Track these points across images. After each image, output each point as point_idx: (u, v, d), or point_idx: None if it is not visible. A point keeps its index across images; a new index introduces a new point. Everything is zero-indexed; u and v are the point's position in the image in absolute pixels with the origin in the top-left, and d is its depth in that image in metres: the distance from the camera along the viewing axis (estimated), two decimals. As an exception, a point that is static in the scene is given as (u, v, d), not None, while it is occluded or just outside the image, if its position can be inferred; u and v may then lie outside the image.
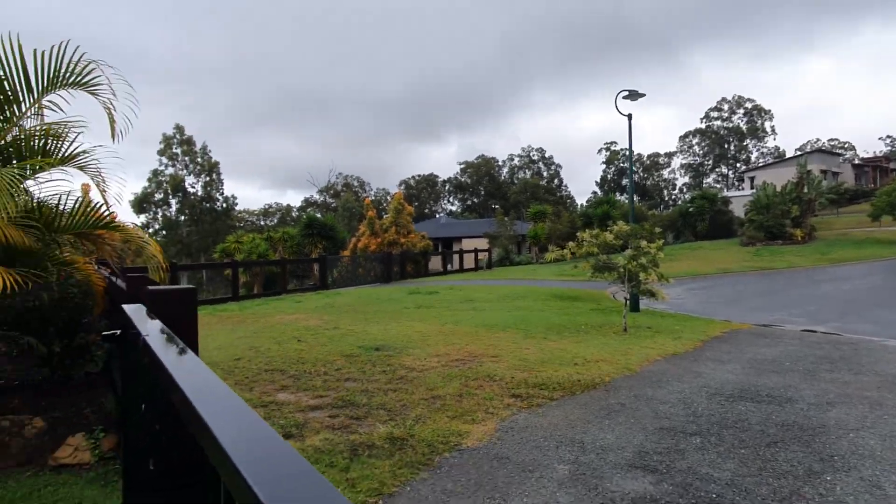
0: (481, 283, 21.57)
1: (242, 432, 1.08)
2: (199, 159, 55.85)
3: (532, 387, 6.07)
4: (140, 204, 53.13)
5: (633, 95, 14.61)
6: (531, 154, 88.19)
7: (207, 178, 56.37)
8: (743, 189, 48.96)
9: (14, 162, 4.66)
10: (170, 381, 1.50)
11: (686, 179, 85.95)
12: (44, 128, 4.99)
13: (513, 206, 69.56)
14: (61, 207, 4.77)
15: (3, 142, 4.70)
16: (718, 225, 38.35)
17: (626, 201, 49.23)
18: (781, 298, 15.30)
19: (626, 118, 14.18)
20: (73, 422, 4.57)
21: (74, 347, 5.38)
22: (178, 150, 55.11)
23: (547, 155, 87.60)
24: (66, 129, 5.00)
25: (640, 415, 5.12)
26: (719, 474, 3.82)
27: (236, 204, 60.80)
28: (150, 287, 2.90)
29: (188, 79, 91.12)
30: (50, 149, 4.96)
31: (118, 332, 2.89)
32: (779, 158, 61.00)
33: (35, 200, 4.70)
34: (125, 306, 2.87)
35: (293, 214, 75.74)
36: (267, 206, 78.66)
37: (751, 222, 32.72)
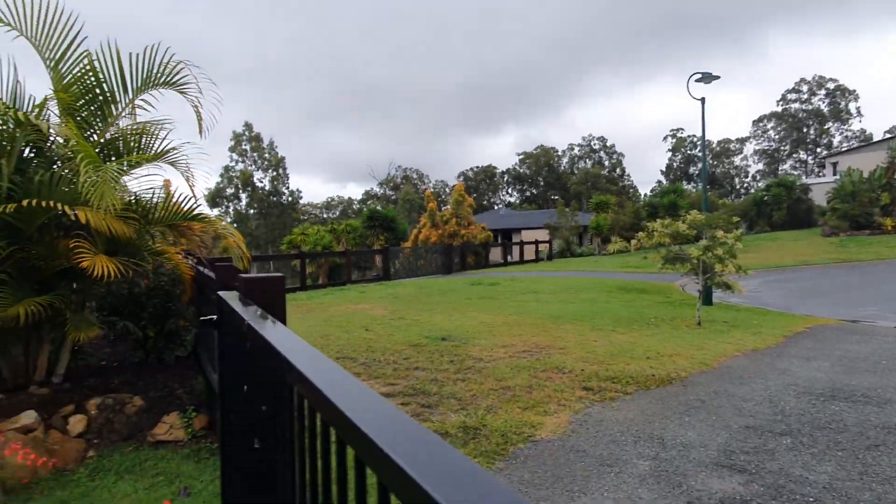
0: (543, 274, 21.31)
1: (360, 402, 1.10)
2: (266, 155, 58.13)
3: (604, 380, 5.94)
4: (213, 199, 55.94)
5: (707, 78, 13.92)
6: (592, 143, 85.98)
7: (274, 173, 58.61)
8: (824, 175, 45.70)
9: (113, 158, 5.00)
10: (281, 361, 1.56)
11: (759, 166, 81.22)
12: (137, 126, 5.33)
13: (573, 196, 68.14)
14: (154, 201, 5.07)
15: (103, 140, 5.05)
16: (796, 214, 36.07)
17: (694, 190, 47.20)
18: (870, 293, 14.22)
19: (697, 102, 13.54)
20: (167, 401, 4.88)
21: (166, 332, 5.74)
22: (247, 147, 57.56)
23: (608, 144, 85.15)
24: (158, 128, 5.31)
25: (721, 412, 4.90)
26: (815, 477, 3.61)
27: (301, 197, 62.95)
28: (243, 275, 3.04)
29: (256, 78, 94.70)
30: (143, 146, 5.28)
31: (215, 317, 3.04)
32: (865, 142, 56.39)
33: (132, 195, 5.02)
34: (221, 293, 3.02)
35: (354, 207, 77.52)
36: (329, 200, 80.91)
37: (833, 211, 30.53)
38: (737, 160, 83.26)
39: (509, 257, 32.30)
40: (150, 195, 5.04)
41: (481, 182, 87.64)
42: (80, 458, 4.16)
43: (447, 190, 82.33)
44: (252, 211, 58.18)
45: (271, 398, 2.05)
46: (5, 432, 3.88)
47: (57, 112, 4.95)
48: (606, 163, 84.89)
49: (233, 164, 57.27)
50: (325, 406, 1.19)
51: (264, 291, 2.89)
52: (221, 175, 56.80)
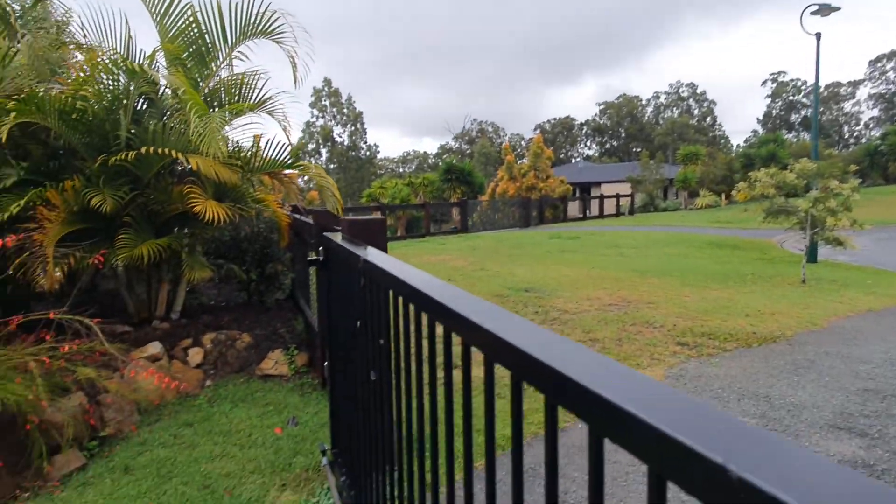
0: (624, 228, 20.55)
1: (507, 323, 1.07)
2: (345, 110, 59.10)
3: (699, 336, 5.69)
4: (296, 154, 57.89)
5: (824, 10, 12.41)
6: (680, 90, 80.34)
7: (353, 128, 59.62)
8: (956, 122, 40.24)
9: (216, 108, 5.21)
10: (411, 292, 1.56)
11: (874, 113, 72.78)
12: (236, 77, 5.50)
13: (657, 148, 64.47)
14: (254, 149, 5.27)
15: (206, 90, 5.27)
16: (919, 166, 32.26)
17: (796, 140, 43.10)
18: None
19: (802, 43, 12.16)
20: (271, 339, 5.21)
21: (266, 276, 6.07)
22: (327, 103, 58.70)
23: (699, 91, 79.22)
24: (255, 78, 5.45)
25: (835, 373, 4.56)
26: (950, 445, 3.29)
27: (378, 152, 63.87)
28: (347, 218, 3.10)
29: (333, 35, 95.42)
30: (242, 96, 5.46)
31: (321, 257, 3.14)
32: None
33: (234, 143, 5.24)
34: (327, 234, 3.10)
35: (429, 162, 77.67)
36: (405, 154, 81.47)
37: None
38: (847, 106, 75.05)
39: (588, 212, 31.35)
40: (250, 144, 5.23)
41: (558, 134, 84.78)
42: (199, 386, 4.55)
43: (523, 143, 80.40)
44: (332, 166, 59.81)
45: (386, 331, 2.09)
46: (136, 360, 4.30)
47: (164, 64, 5.20)
48: (696, 111, 79.28)
49: (313, 119, 58.77)
50: (467, 329, 1.18)
51: (368, 232, 2.95)
52: (303, 131, 58.57)
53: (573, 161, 73.81)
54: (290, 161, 5.22)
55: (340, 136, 59.69)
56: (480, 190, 31.05)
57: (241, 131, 5.38)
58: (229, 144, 5.27)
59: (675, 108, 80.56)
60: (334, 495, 2.88)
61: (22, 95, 4.09)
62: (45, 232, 4.12)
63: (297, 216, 6.03)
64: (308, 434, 3.77)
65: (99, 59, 4.63)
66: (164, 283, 5.20)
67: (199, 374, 4.62)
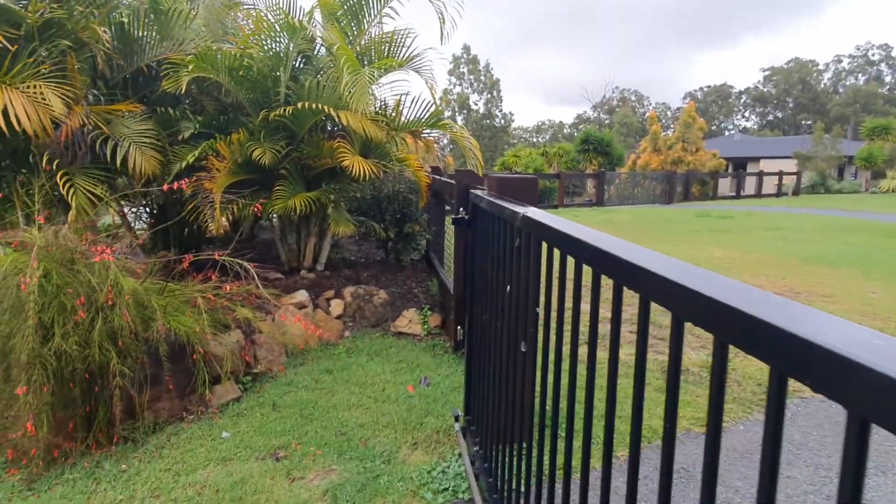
0: (787, 210, 18.16)
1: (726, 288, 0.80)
2: (482, 78, 58.81)
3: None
4: (439, 114, 59.02)
5: None
6: (869, 53, 68.57)
7: (489, 96, 59.27)
8: None
9: (365, 65, 5.24)
10: (594, 253, 1.32)
11: None
12: (385, 35, 5.49)
13: (834, 121, 56.01)
14: (399, 108, 5.26)
15: (358, 48, 5.32)
16: None
17: None
18: None
19: None
20: (406, 298, 5.26)
21: (404, 235, 6.14)
22: (465, 70, 58.79)
23: (894, 54, 66.96)
24: (404, 36, 5.40)
25: None
26: None
27: (513, 120, 62.97)
28: (496, 175, 2.89)
29: (474, 0, 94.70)
30: (390, 54, 5.45)
31: (466, 216, 2.99)
32: None
33: (380, 101, 5.27)
34: (478, 192, 2.93)
35: (565, 131, 75.07)
36: (539, 123, 79.53)
37: None
38: None
39: (741, 190, 28.23)
40: (395, 103, 5.22)
41: (711, 104, 77.10)
42: (338, 336, 4.74)
43: (668, 114, 74.41)
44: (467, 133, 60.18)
45: (536, 297, 1.87)
46: (286, 306, 4.56)
47: (321, 21, 5.32)
48: (888, 78, 67.37)
49: (450, 87, 59.29)
50: (677, 298, 0.92)
51: (519, 190, 2.72)
52: (441, 98, 59.41)
53: (726, 133, 66.86)
54: (434, 120, 5.14)
55: (476, 104, 59.71)
56: (619, 162, 29.30)
57: (388, 89, 5.39)
58: (376, 102, 5.31)
59: (860, 75, 69.14)
60: (466, 464, 2.78)
61: (197, 50, 4.40)
62: (214, 180, 4.46)
63: (437, 177, 5.99)
64: (439, 395, 3.73)
65: (264, 17, 4.85)
66: (311, 236, 5.46)
67: (338, 325, 4.81)
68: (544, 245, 1.72)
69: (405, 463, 2.93)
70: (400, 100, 5.17)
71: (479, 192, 2.80)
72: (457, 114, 59.43)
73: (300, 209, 4.59)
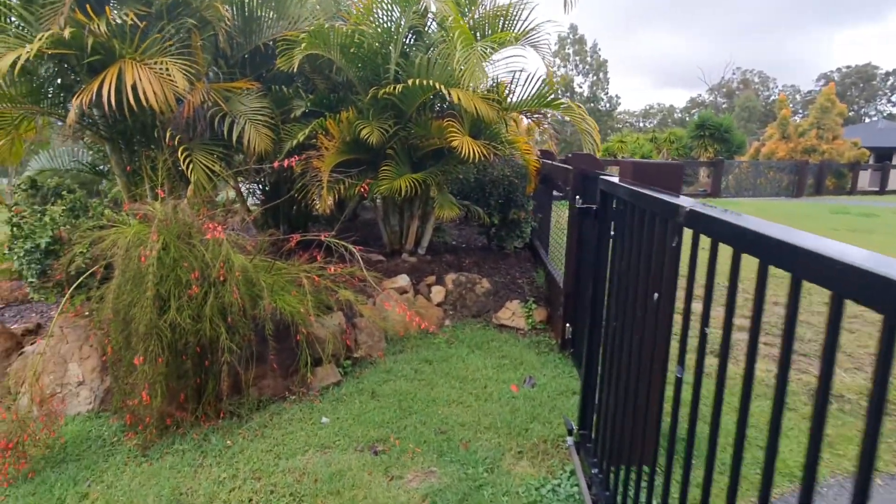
0: (950, 210, 15.62)
1: None
2: (588, 59, 56.41)
3: None
4: (552, 92, 57.56)
5: None
6: None
7: (594, 78, 56.77)
8: None
9: (479, 39, 4.95)
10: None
11: None
12: (500, 9, 5.15)
13: None
14: (512, 86, 4.92)
15: (471, 22, 5.04)
16: None
17: None
18: None
19: None
20: (509, 289, 4.98)
21: (509, 221, 5.84)
22: (570, 51, 56.65)
23: None
24: (519, 9, 5.03)
25: None
26: None
27: (619, 104, 59.92)
28: (630, 160, 2.51)
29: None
30: (504, 28, 5.11)
31: (594, 206, 2.64)
32: None
33: (491, 79, 4.96)
34: (609, 178, 2.56)
35: (675, 116, 70.29)
36: (647, 108, 75.05)
37: None
38: None
39: (886, 184, 24.80)
40: (508, 81, 4.89)
41: (850, 87, 68.51)
42: (438, 325, 4.57)
43: (797, 98, 67.18)
44: (568, 118, 58.22)
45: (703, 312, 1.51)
46: (387, 290, 4.46)
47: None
48: None
49: (554, 68, 57.46)
50: None
51: (659, 178, 2.33)
52: (543, 80, 57.77)
53: (867, 120, 59.23)
54: (548, 99, 4.76)
55: (581, 87, 57.46)
56: (739, 150, 26.84)
57: (502, 65, 5.07)
58: (488, 80, 5.02)
59: None
60: (581, 486, 2.48)
61: (311, 28, 4.34)
62: (323, 158, 4.42)
63: (547, 161, 5.62)
64: (545, 399, 3.43)
65: (377, -9, 4.70)
66: (414, 218, 5.32)
67: (439, 313, 4.64)
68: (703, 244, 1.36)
69: (510, 474, 2.68)
70: (513, 77, 4.83)
71: (611, 180, 2.44)
72: (561, 96, 57.56)
73: (405, 190, 4.44)
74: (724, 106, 62.91)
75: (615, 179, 2.43)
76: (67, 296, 3.45)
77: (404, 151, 4.82)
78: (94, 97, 3.62)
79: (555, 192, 5.88)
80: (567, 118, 4.99)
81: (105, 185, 6.21)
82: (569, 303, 4.04)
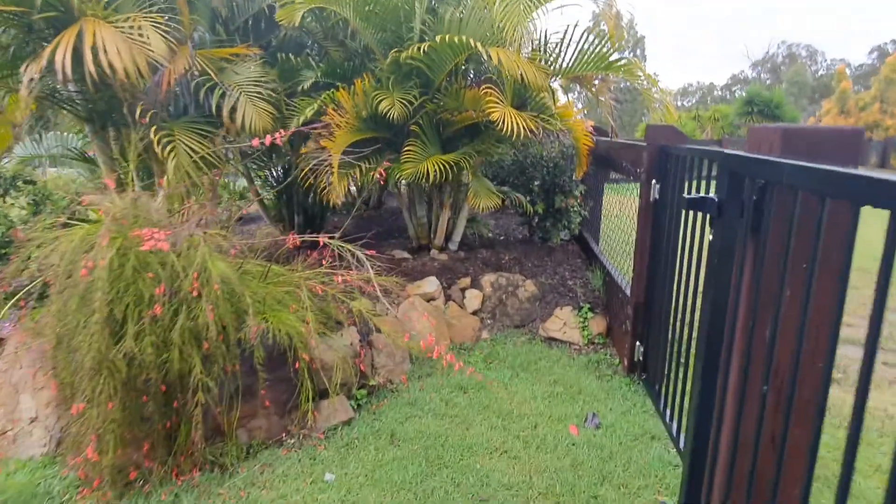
0: None
1: None
2: (625, 35, 54.16)
3: None
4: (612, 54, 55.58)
5: None
6: None
7: (631, 55, 54.50)
8: None
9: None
10: None
11: None
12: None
13: None
14: (562, 45, 4.04)
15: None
16: None
17: None
18: None
19: None
20: (559, 292, 4.16)
21: (554, 211, 4.99)
22: (605, 27, 54.44)
23: None
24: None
25: None
26: None
27: (658, 80, 57.46)
28: (778, 126, 1.65)
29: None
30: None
31: (714, 196, 1.78)
32: None
33: (539, 37, 4.09)
34: (748, 156, 1.71)
35: (715, 94, 67.11)
36: (686, 85, 71.94)
37: None
38: None
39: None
40: (562, 36, 4.01)
41: (910, 58, 63.98)
42: (474, 337, 3.79)
43: (848, 72, 63.12)
44: (602, 98, 56.11)
45: None
46: (412, 297, 3.69)
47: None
48: None
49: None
50: None
51: (830, 150, 1.49)
52: (601, 36, 55.65)
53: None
54: (609, 62, 3.87)
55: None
56: (791, 127, 25.04)
57: (551, 17, 4.17)
58: (532, 40, 4.14)
59: None
60: None
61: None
62: (334, 138, 3.65)
63: (602, 138, 4.74)
64: (616, 447, 2.62)
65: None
66: (444, 208, 4.52)
67: (474, 323, 3.85)
68: None
69: (582, 579, 1.89)
70: (564, 34, 3.94)
71: (753, 157, 1.59)
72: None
73: (433, 175, 3.64)
74: (767, 82, 59.75)
75: (758, 156, 1.58)
76: (24, 310, 2.80)
77: (432, 128, 4.01)
78: (48, 65, 2.92)
79: (615, 176, 5.00)
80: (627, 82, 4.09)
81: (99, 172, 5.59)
82: (639, 315, 3.20)
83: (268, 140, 2.81)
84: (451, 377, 3.30)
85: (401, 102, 3.69)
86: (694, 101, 69.35)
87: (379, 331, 3.18)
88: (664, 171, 2.91)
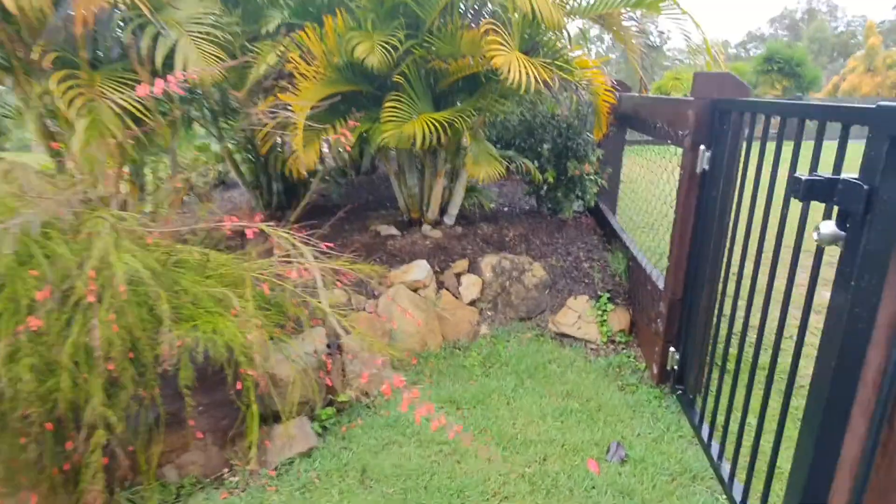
0: None
1: None
2: (637, -13, 51.71)
3: None
4: (575, 38, 53.57)
5: None
6: None
7: (644, 10, 52.20)
8: None
9: None
10: None
11: None
12: None
13: None
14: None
15: None
16: None
17: None
18: None
19: None
20: (572, 276, 3.52)
21: (567, 179, 4.31)
22: (617, -21, 51.94)
23: None
24: None
25: None
26: None
27: (669, 38, 55.15)
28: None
29: None
30: None
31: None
32: None
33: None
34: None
35: (729, 52, 64.56)
36: (696, 45, 69.23)
37: None
38: None
39: None
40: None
41: (936, 13, 61.04)
42: (471, 333, 3.18)
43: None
44: (614, 55, 54.10)
45: None
46: (397, 285, 3.06)
47: None
48: None
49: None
50: None
51: None
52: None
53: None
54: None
55: (627, 22, 53.07)
56: (812, 85, 23.85)
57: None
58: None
59: None
60: None
61: None
62: (298, 92, 2.96)
63: (626, 94, 4.03)
64: (648, 492, 2.04)
65: None
66: (439, 176, 3.84)
67: (472, 315, 3.24)
68: None
69: None
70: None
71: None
72: (604, 32, 53.34)
73: (421, 138, 2.96)
74: (784, 38, 57.35)
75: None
76: None
77: (421, 80, 3.30)
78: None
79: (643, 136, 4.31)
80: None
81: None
82: (675, 314, 2.58)
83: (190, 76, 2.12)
84: (441, 386, 2.71)
85: (382, 47, 2.97)
86: (707, 58, 66.76)
87: (347, 332, 2.56)
88: (718, 135, 2.23)
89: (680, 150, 2.56)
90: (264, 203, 5.32)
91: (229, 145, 4.83)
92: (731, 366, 2.05)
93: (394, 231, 3.86)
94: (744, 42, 66.43)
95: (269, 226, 2.23)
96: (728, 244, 2.12)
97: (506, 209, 4.81)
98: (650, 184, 3.99)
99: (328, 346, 2.53)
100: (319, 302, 2.29)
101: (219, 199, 6.94)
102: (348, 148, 3.01)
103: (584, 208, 4.77)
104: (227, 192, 6.98)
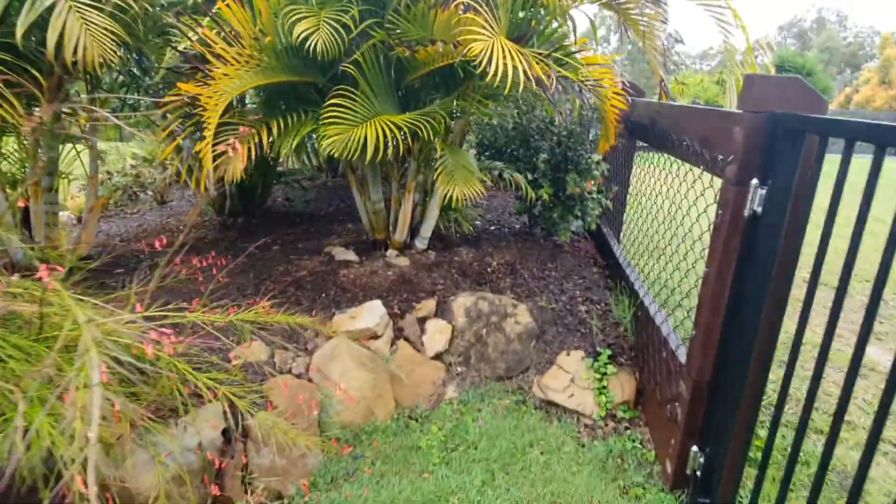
0: None
1: None
2: (646, -11, 50.94)
3: None
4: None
5: None
6: None
7: (651, 12, 51.46)
8: None
9: None
10: None
11: None
12: None
13: None
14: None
15: None
16: None
17: None
18: None
19: None
20: (564, 323, 2.84)
21: (565, 197, 3.63)
22: (626, -20, 51.13)
23: None
24: None
25: None
26: None
27: (680, 41, 54.47)
28: None
29: None
30: None
31: None
32: None
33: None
34: None
35: (737, 59, 63.85)
36: (707, 49, 68.55)
37: None
38: None
39: None
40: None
41: (947, 27, 60.30)
42: (433, 398, 2.50)
43: (875, 41, 59.82)
44: (619, 57, 53.32)
45: None
46: (340, 335, 2.38)
47: None
48: None
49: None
50: None
51: None
52: (595, 14, 52.63)
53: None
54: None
55: (648, 9, 52.34)
56: (823, 95, 23.21)
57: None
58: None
59: None
60: None
61: None
62: (213, 83, 2.26)
63: (639, 99, 3.35)
64: None
65: None
66: (408, 191, 3.16)
67: (436, 372, 2.56)
68: None
69: None
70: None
71: None
72: (611, 33, 52.57)
73: (372, 147, 2.27)
74: (793, 47, 56.69)
75: None
76: None
77: (381, 72, 2.60)
78: None
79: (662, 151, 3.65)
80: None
81: None
82: (700, 400, 1.90)
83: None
84: (384, 481, 2.02)
85: (330, 25, 2.29)
86: (714, 63, 66.12)
87: (252, 414, 1.87)
88: (780, 165, 1.56)
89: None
90: (216, 208, 4.64)
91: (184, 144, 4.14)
92: (778, 474, 1.38)
93: (351, 256, 3.18)
94: (752, 48, 65.56)
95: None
96: (799, 318, 1.45)
97: (493, 227, 4.13)
98: (664, 197, 3.30)
99: (225, 431, 1.85)
100: (208, 378, 1.61)
101: (178, 198, 6.25)
102: (238, 168, 2.29)
103: (585, 229, 4.09)
104: (188, 189, 6.28)
